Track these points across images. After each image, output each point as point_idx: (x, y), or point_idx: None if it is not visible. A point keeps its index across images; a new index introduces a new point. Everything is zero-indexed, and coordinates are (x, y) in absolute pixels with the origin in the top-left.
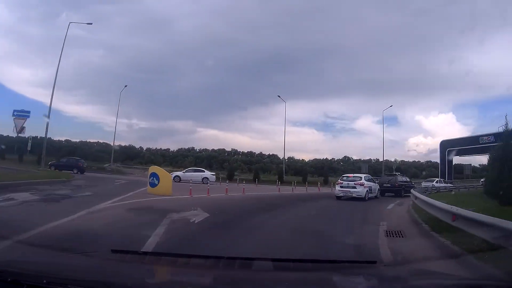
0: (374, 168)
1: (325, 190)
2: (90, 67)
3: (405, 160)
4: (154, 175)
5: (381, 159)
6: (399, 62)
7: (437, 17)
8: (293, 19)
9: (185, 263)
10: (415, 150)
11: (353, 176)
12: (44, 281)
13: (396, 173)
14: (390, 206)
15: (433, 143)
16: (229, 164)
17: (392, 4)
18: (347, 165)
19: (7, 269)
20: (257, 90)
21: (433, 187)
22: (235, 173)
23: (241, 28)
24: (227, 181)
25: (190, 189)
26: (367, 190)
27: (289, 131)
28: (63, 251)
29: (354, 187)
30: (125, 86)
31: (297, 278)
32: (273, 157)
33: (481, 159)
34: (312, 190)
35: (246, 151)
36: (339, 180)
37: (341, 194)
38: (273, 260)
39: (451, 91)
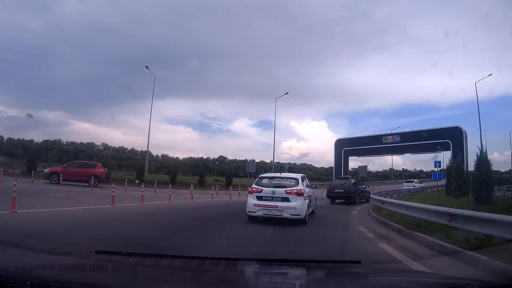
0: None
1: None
2: None
3: (280, 162)
4: None
5: (257, 160)
6: (280, 70)
7: (321, 34)
8: (183, 17)
9: (170, 263)
10: (288, 153)
11: (281, 178)
12: (28, 283)
13: (347, 176)
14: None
15: (305, 147)
16: (98, 159)
17: (282, 17)
18: (223, 165)
19: None
20: (137, 85)
21: (414, 187)
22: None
23: (129, 19)
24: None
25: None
26: (307, 204)
27: (165, 129)
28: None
29: (286, 199)
30: None
31: (283, 278)
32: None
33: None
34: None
35: (117, 146)
36: (254, 186)
37: (259, 213)
38: (258, 260)
39: (324, 102)
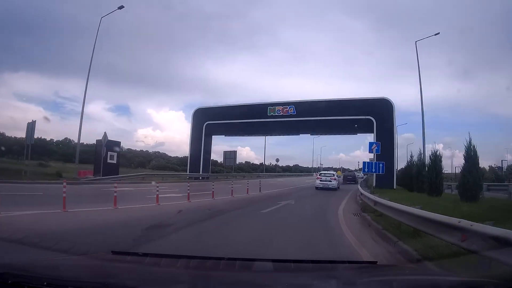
0: None
1: None
2: None
3: (132, 149)
4: None
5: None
6: (147, 56)
7: (194, 26)
8: None
9: (186, 264)
10: (143, 141)
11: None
12: (45, 283)
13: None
14: None
15: (161, 136)
16: None
17: (158, 1)
18: (66, 149)
19: (8, 271)
20: None
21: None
22: None
23: None
24: None
25: None
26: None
27: (15, 106)
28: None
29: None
30: None
31: (298, 279)
32: None
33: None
34: None
35: None
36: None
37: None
38: (273, 261)
39: (186, 93)
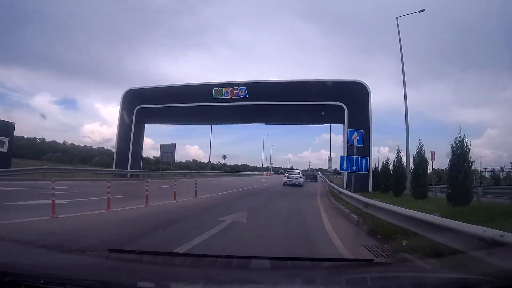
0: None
1: None
2: None
3: (75, 144)
4: None
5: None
6: (97, 48)
7: (145, 20)
8: None
9: (183, 262)
10: (89, 137)
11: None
12: (42, 281)
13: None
14: None
15: (108, 132)
16: None
17: None
18: None
19: (4, 269)
20: None
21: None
22: None
23: None
24: None
25: None
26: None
27: None
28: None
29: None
30: None
31: (295, 277)
32: None
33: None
34: None
35: None
36: (285, 173)
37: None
38: (270, 258)
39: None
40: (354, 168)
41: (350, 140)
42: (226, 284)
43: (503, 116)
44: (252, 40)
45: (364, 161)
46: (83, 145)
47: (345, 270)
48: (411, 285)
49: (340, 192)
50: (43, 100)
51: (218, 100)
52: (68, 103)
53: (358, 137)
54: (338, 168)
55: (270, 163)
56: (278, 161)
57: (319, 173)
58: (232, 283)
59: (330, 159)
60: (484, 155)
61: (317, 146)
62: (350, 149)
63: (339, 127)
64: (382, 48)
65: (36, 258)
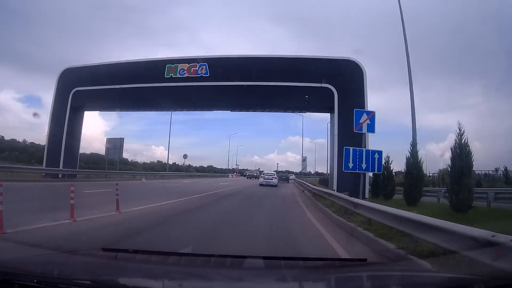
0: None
1: None
2: None
3: (36, 143)
4: None
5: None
6: (64, 44)
7: (113, 17)
8: None
9: (176, 261)
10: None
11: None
12: (35, 280)
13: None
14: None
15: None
16: None
17: None
18: None
19: None
20: None
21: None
22: None
23: None
24: None
25: None
26: (277, 180)
27: None
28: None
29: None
30: None
31: (289, 276)
32: None
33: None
34: None
35: None
36: (261, 175)
37: (263, 182)
38: (264, 258)
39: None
40: (364, 166)
41: (357, 125)
42: (219, 283)
43: (465, 122)
44: (222, 42)
45: (377, 155)
46: (43, 144)
47: (338, 269)
48: (404, 285)
49: (356, 205)
50: (5, 97)
51: (172, 79)
52: (32, 101)
53: (368, 121)
54: (327, 169)
55: (237, 165)
56: (245, 163)
57: (292, 175)
58: (226, 281)
59: (304, 159)
60: (446, 158)
61: (283, 149)
62: (341, 144)
63: (309, 126)
64: (351, 53)
65: (29, 257)
